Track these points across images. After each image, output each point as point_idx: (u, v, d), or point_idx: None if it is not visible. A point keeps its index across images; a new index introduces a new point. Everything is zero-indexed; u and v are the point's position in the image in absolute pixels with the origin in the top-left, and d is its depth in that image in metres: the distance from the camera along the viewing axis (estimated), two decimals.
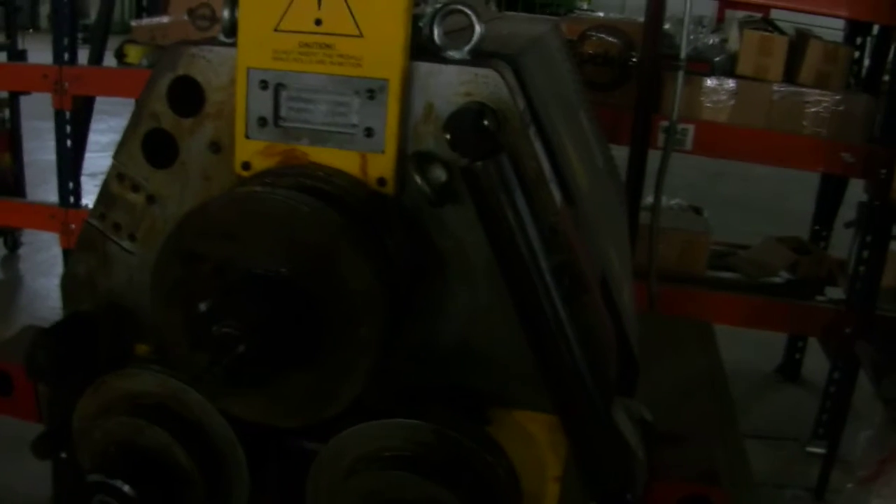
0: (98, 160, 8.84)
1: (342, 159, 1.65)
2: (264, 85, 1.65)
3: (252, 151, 1.68)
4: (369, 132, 1.62)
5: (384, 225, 1.59)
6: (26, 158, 7.78)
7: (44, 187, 8.76)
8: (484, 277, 1.66)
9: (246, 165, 1.69)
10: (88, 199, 6.02)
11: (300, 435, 1.76)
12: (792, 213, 7.63)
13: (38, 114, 8.44)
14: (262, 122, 1.67)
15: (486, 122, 1.53)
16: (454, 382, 1.72)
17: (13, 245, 7.97)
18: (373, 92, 1.61)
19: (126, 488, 1.64)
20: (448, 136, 1.54)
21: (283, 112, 1.66)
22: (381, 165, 1.63)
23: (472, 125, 1.51)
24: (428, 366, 1.73)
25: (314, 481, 1.70)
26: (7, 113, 7.47)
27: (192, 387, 1.69)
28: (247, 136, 1.68)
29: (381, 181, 1.63)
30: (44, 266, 7.74)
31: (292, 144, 1.67)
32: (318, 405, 1.57)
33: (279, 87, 1.66)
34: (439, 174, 1.59)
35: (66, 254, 6.02)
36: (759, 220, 8.40)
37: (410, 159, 1.61)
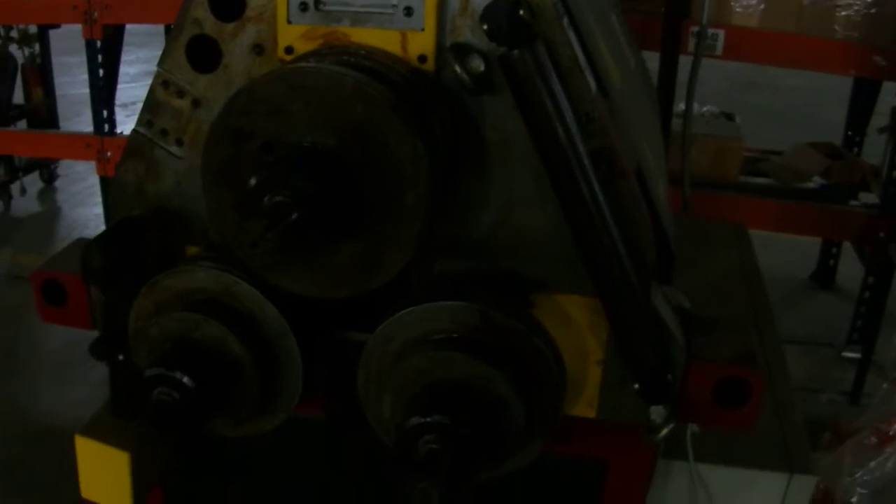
0: (129, 91, 8.91)
1: (383, 38, 1.68)
2: None
3: (294, 36, 1.72)
4: (408, 11, 1.65)
5: (426, 99, 1.62)
6: (57, 93, 7.83)
7: (75, 120, 8.85)
8: (523, 163, 1.69)
9: (289, 49, 1.72)
10: (122, 129, 6.08)
11: (349, 326, 1.82)
12: (825, 123, 7.59)
13: (66, 49, 8.49)
14: (303, 6, 1.70)
15: (521, 13, 1.56)
16: (497, 268, 1.77)
17: (49, 178, 8.08)
18: None
19: (185, 379, 1.69)
20: (485, 27, 1.56)
21: None
22: (421, 43, 1.67)
23: (507, 16, 1.54)
24: (470, 252, 1.77)
25: (364, 368, 1.75)
26: (37, 48, 7.52)
27: (243, 279, 1.74)
28: (288, 22, 1.71)
29: (422, 58, 1.67)
30: (80, 196, 7.85)
31: (333, 27, 1.70)
32: (366, 274, 1.62)
33: None
34: (477, 64, 1.63)
35: (103, 182, 6.08)
36: (792, 129, 8.36)
37: (449, 51, 1.64)
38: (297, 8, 1.70)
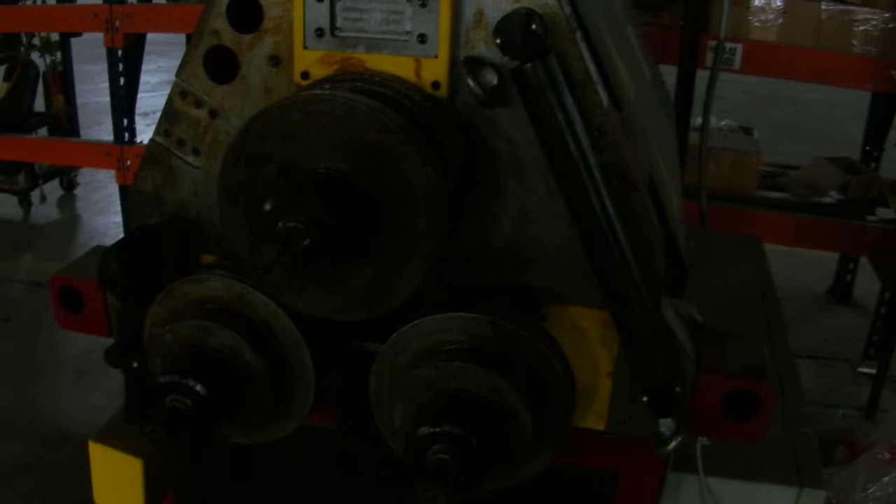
0: (150, 99, 8.97)
1: (397, 65, 1.70)
2: None
3: (310, 61, 1.74)
4: (422, 38, 1.68)
5: (439, 124, 1.64)
6: (77, 101, 7.88)
7: (96, 128, 8.91)
8: (535, 177, 1.71)
9: (305, 75, 1.75)
10: (142, 138, 6.12)
11: (361, 336, 1.83)
12: (843, 137, 7.58)
13: (87, 58, 8.55)
14: (320, 32, 1.72)
15: (534, 26, 1.58)
16: (509, 280, 1.78)
17: (69, 185, 8.13)
18: None
19: (198, 387, 1.70)
20: (498, 41, 1.58)
21: (339, 22, 1.72)
22: (435, 69, 1.69)
23: (520, 29, 1.56)
24: (483, 264, 1.79)
25: (376, 376, 1.76)
26: (59, 56, 7.57)
27: (257, 289, 1.75)
28: (305, 47, 1.74)
29: (435, 84, 1.69)
30: (100, 204, 7.89)
31: (349, 53, 1.73)
32: (378, 297, 1.64)
33: None
34: (490, 77, 1.64)
35: (123, 191, 6.12)
36: (810, 144, 8.36)
37: (462, 64, 1.66)
38: (313, 34, 1.73)
